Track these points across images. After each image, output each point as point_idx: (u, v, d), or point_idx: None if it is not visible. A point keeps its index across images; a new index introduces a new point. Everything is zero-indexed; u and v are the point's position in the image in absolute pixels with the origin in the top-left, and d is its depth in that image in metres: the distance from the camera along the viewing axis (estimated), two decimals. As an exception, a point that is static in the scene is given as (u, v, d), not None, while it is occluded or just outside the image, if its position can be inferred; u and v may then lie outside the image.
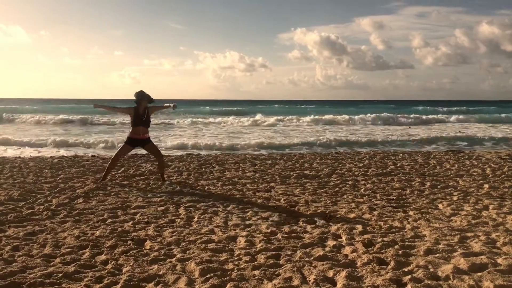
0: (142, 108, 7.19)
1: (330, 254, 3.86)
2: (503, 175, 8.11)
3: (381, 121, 28.95)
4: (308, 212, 5.42)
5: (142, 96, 7.19)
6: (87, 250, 3.97)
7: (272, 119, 28.06)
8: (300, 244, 4.15)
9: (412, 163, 9.58)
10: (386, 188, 7.00)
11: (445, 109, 48.08)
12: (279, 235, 4.43)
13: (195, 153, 11.83)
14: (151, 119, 7.54)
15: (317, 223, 4.91)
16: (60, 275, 3.37)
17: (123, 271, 3.48)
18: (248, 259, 3.75)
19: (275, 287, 3.16)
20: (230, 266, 3.60)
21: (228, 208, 5.63)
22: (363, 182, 7.45)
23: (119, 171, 8.41)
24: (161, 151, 7.92)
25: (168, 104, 7.51)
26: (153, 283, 3.25)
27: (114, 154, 7.49)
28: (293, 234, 4.47)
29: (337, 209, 5.59)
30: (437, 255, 3.81)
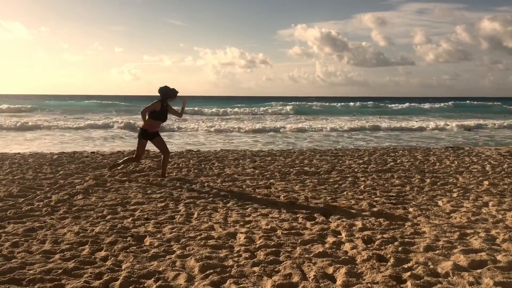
0: (165, 104, 7.13)
1: (329, 250, 3.85)
2: (503, 172, 8.11)
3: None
4: (308, 209, 5.41)
5: (170, 92, 7.11)
6: (87, 246, 3.97)
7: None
8: (299, 240, 4.15)
9: (412, 160, 9.58)
10: (386, 184, 7.00)
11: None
12: (278, 232, 4.42)
13: (195, 150, 11.81)
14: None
15: (316, 220, 4.90)
16: (60, 271, 3.37)
17: (123, 268, 3.48)
18: (247, 255, 3.75)
19: (275, 283, 3.16)
20: (230, 262, 3.60)
21: (228, 205, 5.62)
22: (362, 179, 7.45)
23: (119, 168, 8.39)
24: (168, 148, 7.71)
25: (181, 107, 7.39)
26: (152, 279, 3.25)
27: (136, 153, 7.31)
28: (292, 231, 4.46)
29: (337, 205, 5.59)
30: (436, 251, 3.81)
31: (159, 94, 7.15)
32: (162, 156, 7.41)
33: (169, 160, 9.32)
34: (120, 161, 7.53)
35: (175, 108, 7.49)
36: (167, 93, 7.13)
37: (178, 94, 7.27)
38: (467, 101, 58.65)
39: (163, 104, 7.12)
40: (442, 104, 48.55)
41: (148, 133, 7.20)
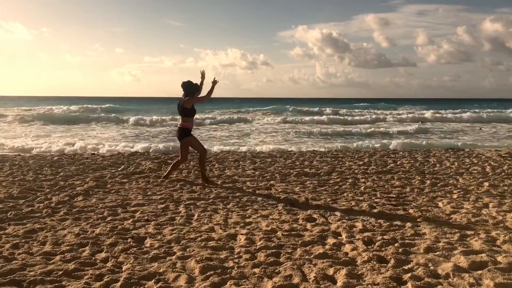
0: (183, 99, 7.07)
1: (330, 252, 3.85)
2: (503, 173, 8.11)
3: None
4: (308, 210, 5.41)
5: (195, 87, 7.07)
6: (87, 247, 3.97)
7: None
8: (300, 242, 4.15)
9: (412, 161, 9.58)
10: (386, 186, 7.00)
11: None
12: (279, 233, 4.42)
13: (195, 152, 11.80)
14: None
15: (317, 221, 4.91)
16: (60, 272, 3.37)
17: (123, 269, 3.48)
18: (248, 257, 3.75)
19: (275, 285, 3.16)
20: (230, 264, 3.60)
21: (228, 206, 5.63)
22: (363, 180, 7.45)
23: (119, 169, 8.41)
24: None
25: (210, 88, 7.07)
26: (153, 281, 3.25)
27: (204, 150, 7.33)
28: (293, 232, 4.46)
29: (337, 207, 5.59)
30: (437, 253, 3.81)
31: (182, 89, 7.02)
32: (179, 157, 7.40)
33: (169, 161, 9.32)
34: (170, 168, 7.54)
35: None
36: (193, 88, 7.05)
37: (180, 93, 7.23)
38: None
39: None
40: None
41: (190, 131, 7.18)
